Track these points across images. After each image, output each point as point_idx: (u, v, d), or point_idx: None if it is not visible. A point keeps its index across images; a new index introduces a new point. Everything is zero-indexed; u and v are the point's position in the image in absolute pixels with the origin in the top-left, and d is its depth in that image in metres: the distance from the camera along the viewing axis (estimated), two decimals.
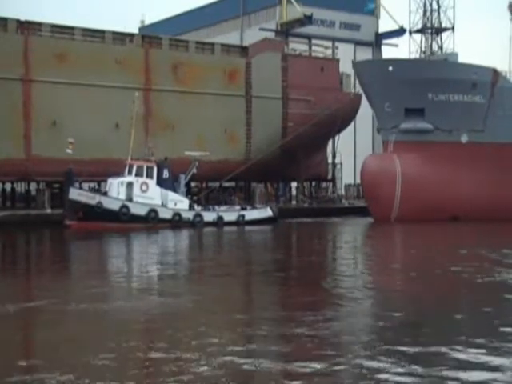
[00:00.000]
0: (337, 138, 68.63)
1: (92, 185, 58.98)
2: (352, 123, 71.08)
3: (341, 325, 14.64)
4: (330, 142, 68.89)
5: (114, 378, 10.66)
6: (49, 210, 49.97)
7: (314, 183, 70.54)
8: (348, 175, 75.20)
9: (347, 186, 74.97)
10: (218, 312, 16.19)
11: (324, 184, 71.63)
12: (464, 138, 54.36)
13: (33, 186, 58.43)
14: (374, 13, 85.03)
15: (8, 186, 62.23)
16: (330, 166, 69.98)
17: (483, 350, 12.30)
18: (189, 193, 51.65)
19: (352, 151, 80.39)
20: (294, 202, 66.90)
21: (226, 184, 63.30)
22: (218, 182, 59.21)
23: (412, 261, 28.41)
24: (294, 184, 69.38)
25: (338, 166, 71.91)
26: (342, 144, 70.01)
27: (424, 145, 53.24)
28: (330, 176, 70.37)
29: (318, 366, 11.27)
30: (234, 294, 19.65)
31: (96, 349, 12.58)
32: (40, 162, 50.22)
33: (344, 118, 63.54)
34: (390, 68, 52.03)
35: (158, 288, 20.50)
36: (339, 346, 12.89)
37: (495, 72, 54.58)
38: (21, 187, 66.14)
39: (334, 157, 69.79)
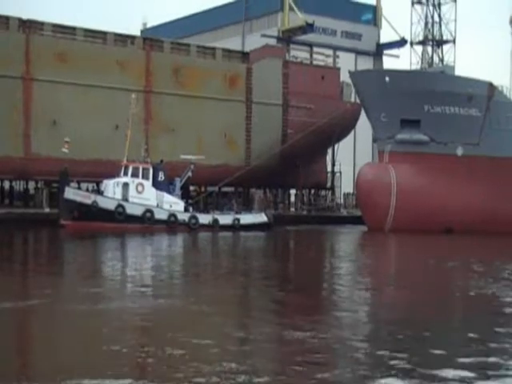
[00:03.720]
0: (336, 146, 68.88)
1: (90, 186, 59.11)
2: (352, 132, 71.38)
3: (336, 334, 14.29)
4: (330, 151, 69.15)
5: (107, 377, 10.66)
6: (47, 209, 50.14)
7: (312, 191, 70.67)
8: (347, 184, 75.22)
9: (346, 195, 75.15)
10: (210, 315, 16.02)
11: (323, 192, 71.71)
12: (459, 151, 54.36)
13: (31, 184, 58.47)
14: (371, 23, 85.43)
15: (6, 184, 62.57)
16: (329, 175, 70.22)
17: (480, 360, 12.12)
18: (185, 196, 51.78)
19: (352, 160, 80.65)
20: (292, 209, 67.12)
21: (226, 189, 63.53)
22: (217, 187, 59.45)
23: (406, 273, 28.14)
24: (292, 191, 69.54)
25: (338, 175, 72.02)
26: (341, 153, 70.33)
27: (419, 156, 53.25)
28: (329, 184, 70.56)
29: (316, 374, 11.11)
30: (228, 298, 19.47)
31: (88, 349, 12.69)
32: (39, 160, 50.41)
33: (344, 126, 63.86)
34: (387, 79, 52.07)
35: (153, 290, 20.17)
36: (334, 355, 12.69)
37: (491, 86, 54.54)
38: (19, 186, 66.28)
39: (333, 165, 69.97)
